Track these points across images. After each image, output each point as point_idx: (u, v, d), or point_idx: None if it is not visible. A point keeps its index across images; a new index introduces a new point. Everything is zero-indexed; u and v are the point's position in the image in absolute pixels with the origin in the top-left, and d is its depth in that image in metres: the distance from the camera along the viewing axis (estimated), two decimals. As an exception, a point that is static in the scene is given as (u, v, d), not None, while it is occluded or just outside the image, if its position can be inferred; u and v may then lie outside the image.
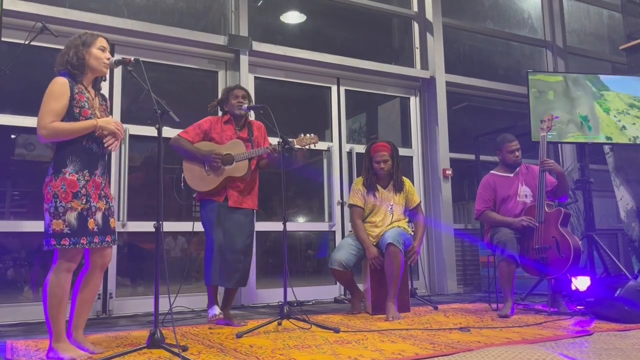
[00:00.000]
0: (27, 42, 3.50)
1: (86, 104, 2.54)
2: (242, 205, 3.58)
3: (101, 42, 2.64)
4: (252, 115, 4.57)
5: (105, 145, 2.55)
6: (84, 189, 2.47)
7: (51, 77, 2.60)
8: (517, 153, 4.11)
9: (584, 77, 5.08)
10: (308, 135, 3.62)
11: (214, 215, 3.51)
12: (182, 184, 3.54)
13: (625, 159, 5.62)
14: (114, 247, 3.83)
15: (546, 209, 3.82)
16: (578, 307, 3.86)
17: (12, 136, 4.34)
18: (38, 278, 4.22)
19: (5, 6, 3.67)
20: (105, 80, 2.76)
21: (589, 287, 3.89)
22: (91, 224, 2.48)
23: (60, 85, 2.49)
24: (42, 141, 2.50)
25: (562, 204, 4.12)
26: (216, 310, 3.48)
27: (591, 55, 7.60)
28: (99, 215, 2.53)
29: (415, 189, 4.31)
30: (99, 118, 2.57)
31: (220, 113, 3.81)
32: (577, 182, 4.99)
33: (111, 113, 4.44)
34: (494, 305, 4.15)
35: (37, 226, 4.11)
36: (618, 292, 3.48)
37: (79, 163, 2.48)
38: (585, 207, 4.90)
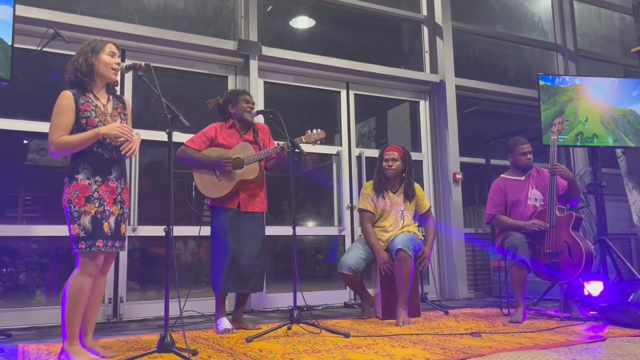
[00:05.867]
0: (39, 48, 3.54)
1: (93, 112, 2.56)
2: (254, 209, 3.59)
3: (110, 47, 2.65)
4: (261, 120, 4.59)
5: (123, 152, 2.58)
6: (96, 193, 2.51)
7: (63, 83, 2.63)
8: (529, 155, 4.09)
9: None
10: (315, 130, 3.61)
11: (228, 223, 3.48)
12: (193, 192, 3.51)
13: (638, 162, 5.56)
14: (123, 252, 3.85)
15: (557, 213, 3.79)
16: (591, 313, 3.82)
17: (25, 141, 4.38)
18: (50, 282, 4.25)
19: (18, 13, 3.71)
20: (117, 85, 2.77)
21: (601, 292, 3.85)
22: (106, 227, 2.52)
23: (64, 100, 2.54)
24: (53, 156, 2.58)
25: (574, 207, 4.09)
26: (226, 324, 3.43)
27: (602, 58, 7.54)
28: (112, 220, 2.56)
29: (425, 194, 4.28)
30: (109, 124, 2.59)
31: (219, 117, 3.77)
32: (589, 186, 4.94)
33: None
34: (505, 310, 4.11)
35: (49, 231, 4.16)
36: (631, 297, 3.44)
37: (90, 169, 2.52)
38: (597, 211, 4.85)
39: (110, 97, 2.70)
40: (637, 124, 5.07)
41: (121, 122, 2.64)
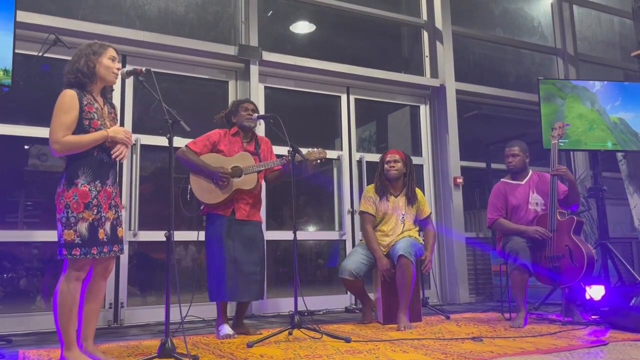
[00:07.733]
0: (40, 54, 3.55)
1: (95, 114, 2.55)
2: (251, 218, 3.57)
3: (111, 52, 2.65)
4: (262, 125, 4.61)
5: (114, 155, 2.56)
6: (95, 200, 2.48)
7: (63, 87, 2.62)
8: (510, 159, 4.10)
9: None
10: (316, 149, 3.59)
11: (223, 230, 3.46)
12: (188, 196, 3.49)
13: (639, 166, 5.56)
14: (121, 257, 3.82)
15: (558, 217, 3.79)
16: (592, 317, 3.81)
17: (26, 147, 4.39)
18: (50, 288, 4.23)
19: (19, 19, 3.72)
20: (113, 90, 2.77)
21: (603, 297, 3.84)
22: (101, 234, 2.49)
23: (69, 98, 2.50)
24: (55, 155, 2.51)
25: (574, 213, 4.08)
26: (228, 329, 3.42)
27: (602, 63, 7.55)
28: (107, 225, 2.54)
29: (426, 200, 4.28)
30: (108, 127, 2.59)
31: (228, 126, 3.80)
32: (590, 190, 4.94)
33: (122, 123, 4.49)
34: (506, 315, 4.11)
35: (49, 236, 4.15)
36: (633, 301, 3.44)
37: (90, 174, 2.50)
38: (598, 215, 4.85)
39: (105, 101, 2.70)
40: (630, 134, 5.09)
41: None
